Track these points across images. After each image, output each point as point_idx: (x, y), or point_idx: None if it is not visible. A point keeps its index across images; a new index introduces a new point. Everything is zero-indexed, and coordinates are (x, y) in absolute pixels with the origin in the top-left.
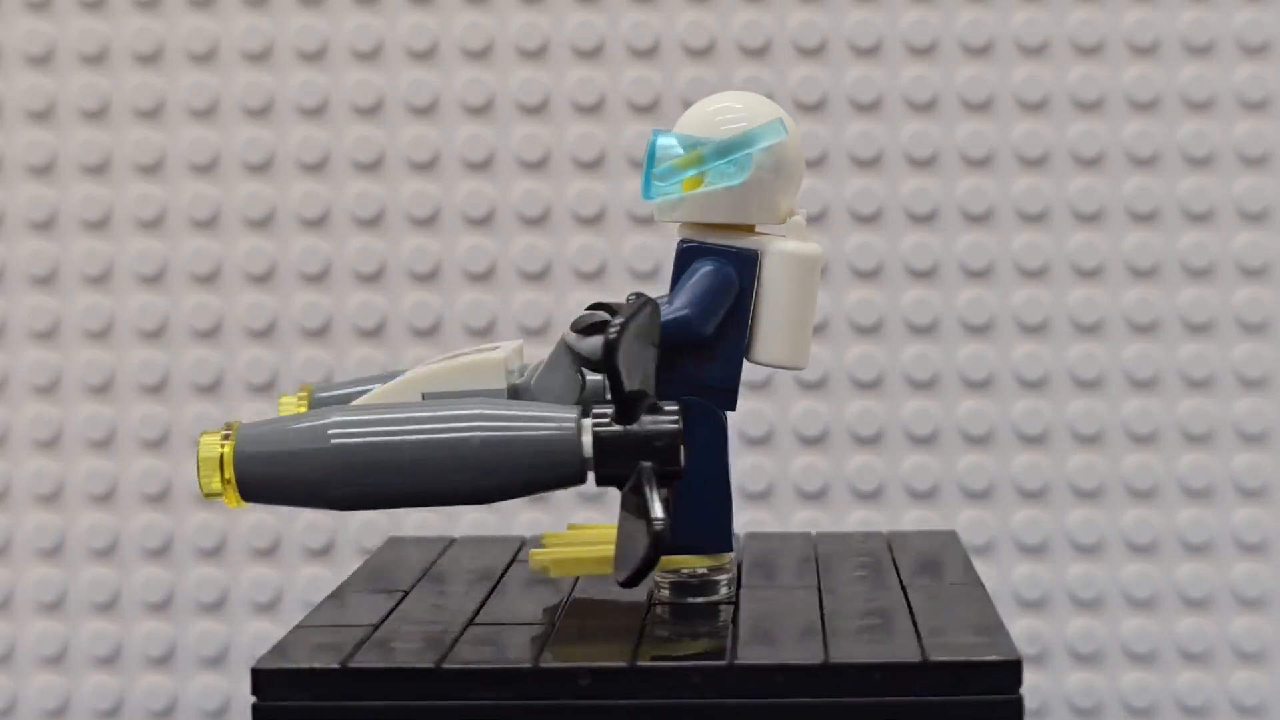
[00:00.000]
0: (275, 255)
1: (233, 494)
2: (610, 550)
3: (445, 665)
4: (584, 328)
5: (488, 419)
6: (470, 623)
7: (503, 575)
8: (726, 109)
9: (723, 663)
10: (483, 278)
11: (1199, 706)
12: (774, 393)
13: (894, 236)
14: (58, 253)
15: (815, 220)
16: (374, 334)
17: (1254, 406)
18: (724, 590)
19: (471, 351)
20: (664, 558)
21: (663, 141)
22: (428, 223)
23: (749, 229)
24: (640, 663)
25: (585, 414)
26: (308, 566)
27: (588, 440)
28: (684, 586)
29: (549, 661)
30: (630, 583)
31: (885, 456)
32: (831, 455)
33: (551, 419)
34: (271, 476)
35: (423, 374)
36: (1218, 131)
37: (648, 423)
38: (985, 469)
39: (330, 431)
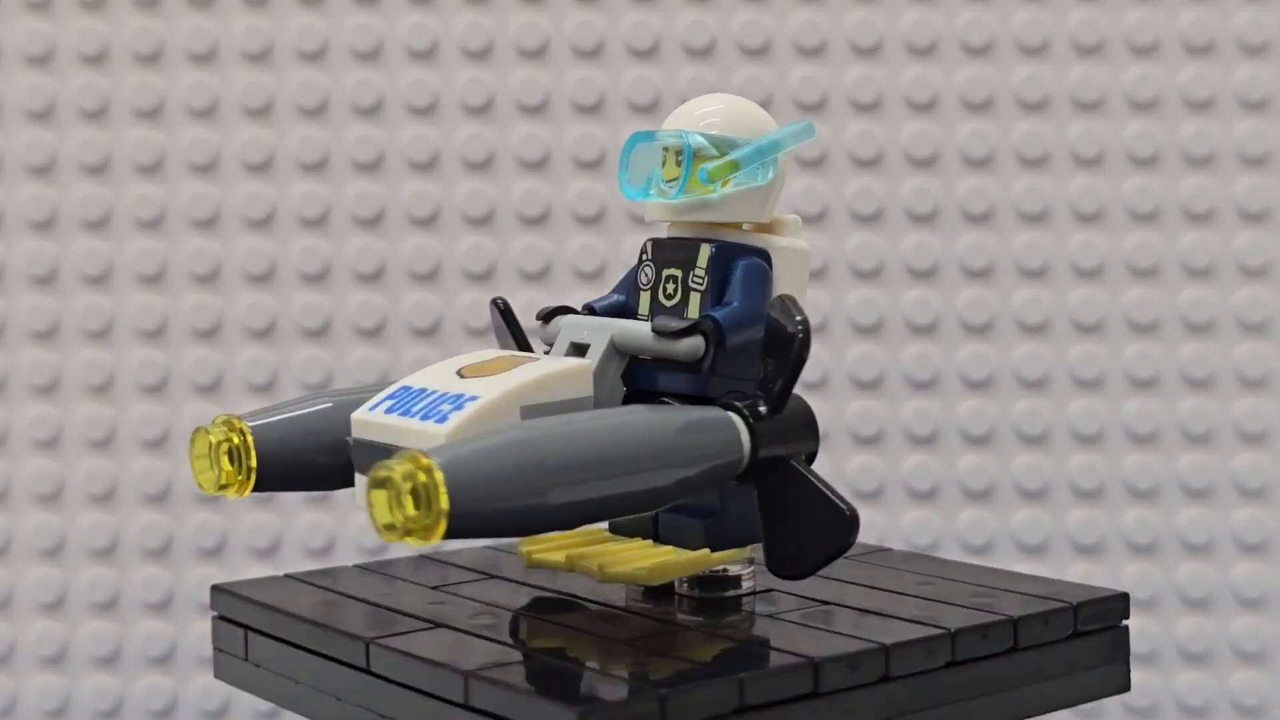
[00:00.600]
0: (275, 255)
1: (436, 529)
2: (661, 556)
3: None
4: (676, 331)
5: (666, 421)
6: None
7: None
8: (744, 109)
9: (935, 633)
10: (483, 278)
11: (1200, 707)
12: None
13: (894, 236)
14: (57, 253)
15: (815, 220)
16: (374, 334)
17: (1254, 406)
18: (748, 583)
19: (516, 358)
20: (695, 554)
21: (696, 141)
22: (428, 223)
23: (737, 227)
24: (860, 649)
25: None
26: (308, 567)
27: (746, 438)
28: (715, 581)
29: (780, 661)
30: (808, 574)
31: (885, 456)
32: (832, 455)
33: (714, 416)
34: (486, 503)
35: (516, 388)
36: (1218, 131)
37: (787, 411)
38: (985, 469)
39: (544, 446)
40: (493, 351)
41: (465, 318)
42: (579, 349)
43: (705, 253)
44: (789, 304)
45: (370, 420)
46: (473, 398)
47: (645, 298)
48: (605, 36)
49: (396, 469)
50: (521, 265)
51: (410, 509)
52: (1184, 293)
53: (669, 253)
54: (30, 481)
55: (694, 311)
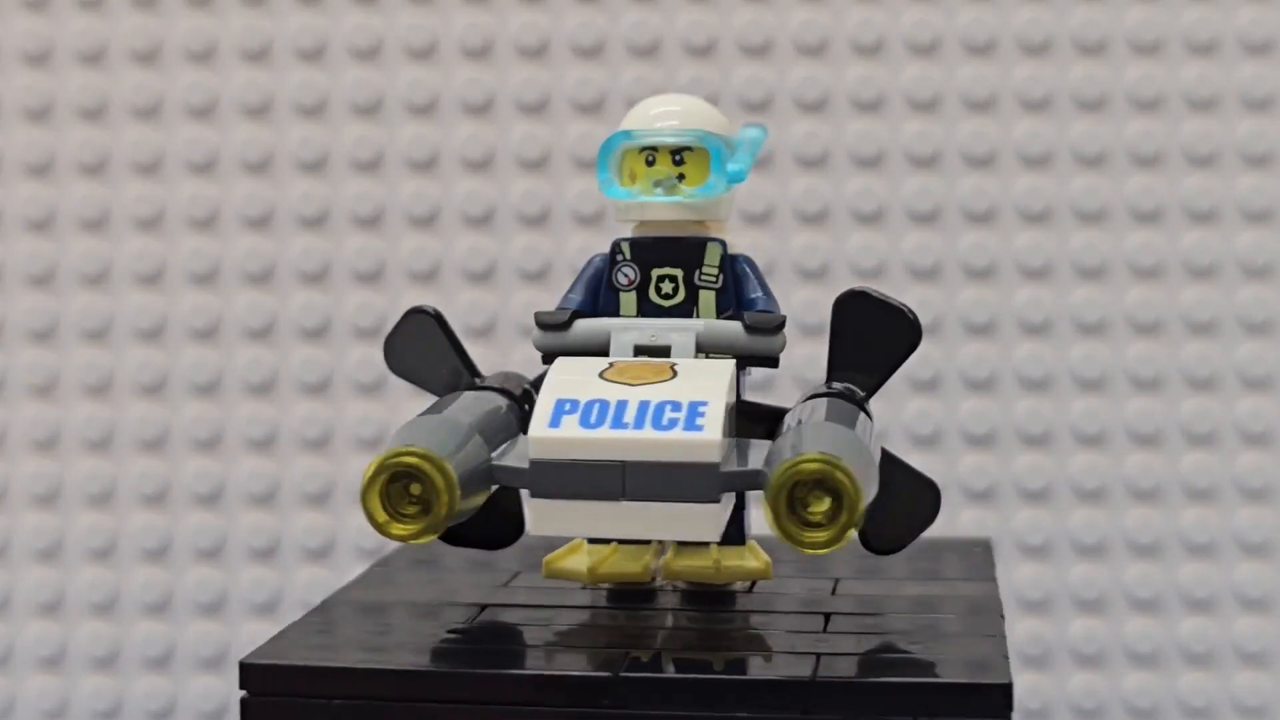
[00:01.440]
0: (274, 255)
1: (849, 531)
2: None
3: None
4: (772, 328)
5: (849, 412)
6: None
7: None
8: (712, 109)
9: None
10: (482, 278)
11: (1202, 708)
12: (774, 392)
13: (894, 236)
14: (55, 252)
15: (815, 220)
16: (373, 334)
17: (1257, 407)
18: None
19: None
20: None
21: (713, 143)
22: (427, 222)
23: (705, 225)
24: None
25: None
26: (307, 567)
27: None
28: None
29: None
30: (904, 547)
31: None
32: None
33: (849, 407)
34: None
35: (726, 390)
36: (1221, 131)
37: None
38: (986, 469)
39: (869, 447)
40: (600, 359)
41: (465, 317)
42: (647, 352)
43: (716, 251)
44: (880, 292)
45: (564, 438)
46: (701, 402)
47: (629, 299)
48: (605, 36)
49: (838, 474)
50: (521, 265)
51: (856, 512)
52: (1187, 292)
53: (659, 252)
54: (28, 482)
55: (706, 310)
